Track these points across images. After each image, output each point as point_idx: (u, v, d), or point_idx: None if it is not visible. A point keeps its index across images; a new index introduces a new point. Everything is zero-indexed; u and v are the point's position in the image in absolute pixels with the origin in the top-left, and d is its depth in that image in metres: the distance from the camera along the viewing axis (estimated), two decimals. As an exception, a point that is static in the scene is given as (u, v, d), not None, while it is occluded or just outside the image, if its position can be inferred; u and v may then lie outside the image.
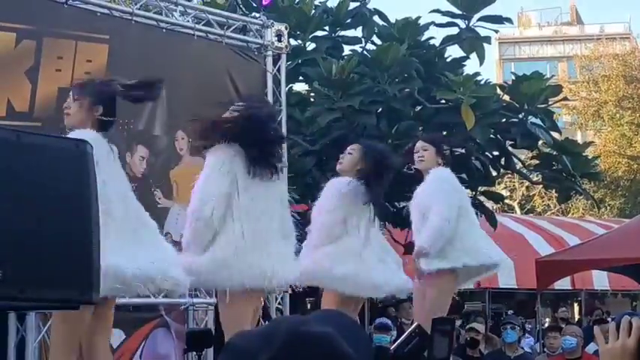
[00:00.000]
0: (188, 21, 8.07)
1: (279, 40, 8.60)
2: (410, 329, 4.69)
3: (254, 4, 10.53)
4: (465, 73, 10.70)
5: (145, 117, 7.62)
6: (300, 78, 10.93)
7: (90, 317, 4.64)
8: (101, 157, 4.40)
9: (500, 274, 13.31)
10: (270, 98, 8.57)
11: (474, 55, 10.91)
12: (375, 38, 11.03)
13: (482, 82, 10.52)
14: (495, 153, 11.29)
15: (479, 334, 9.31)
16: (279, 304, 8.35)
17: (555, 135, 11.16)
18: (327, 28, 11.06)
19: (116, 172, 4.84)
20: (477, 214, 7.37)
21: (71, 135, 4.65)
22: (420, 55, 10.54)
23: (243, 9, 9.61)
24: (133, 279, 4.54)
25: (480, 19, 10.76)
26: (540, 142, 11.27)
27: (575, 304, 18.42)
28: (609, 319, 10.22)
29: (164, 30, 7.84)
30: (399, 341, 4.66)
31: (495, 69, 42.94)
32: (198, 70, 7.98)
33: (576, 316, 17.63)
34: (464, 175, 9.00)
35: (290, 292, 7.77)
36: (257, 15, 8.93)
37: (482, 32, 10.86)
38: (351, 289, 5.84)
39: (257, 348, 1.22)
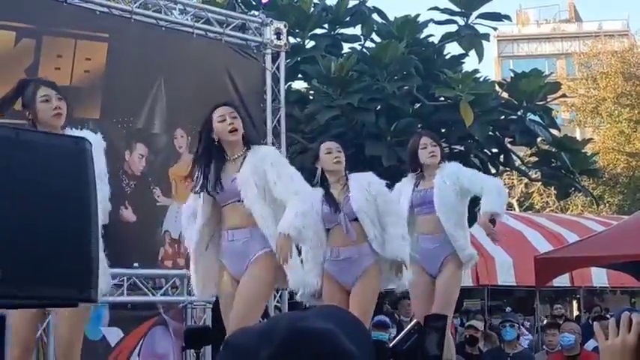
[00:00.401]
0: (187, 19, 8.07)
1: (278, 38, 8.61)
2: (409, 326, 4.70)
3: (253, 2, 10.54)
4: (463, 71, 10.70)
5: (144, 115, 7.63)
6: (299, 76, 10.93)
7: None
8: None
9: (499, 271, 13.36)
10: (269, 96, 8.58)
11: (472, 53, 10.92)
12: (374, 36, 11.04)
13: (481, 80, 10.53)
14: (494, 150, 11.30)
15: (478, 332, 9.32)
16: (277, 302, 8.36)
17: (554, 132, 11.16)
18: (326, 25, 11.06)
19: None
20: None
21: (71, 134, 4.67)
22: (418, 53, 10.55)
23: (243, 7, 9.61)
24: None
25: (478, 17, 10.76)
26: (539, 139, 11.28)
27: (574, 301, 18.44)
28: (608, 316, 10.23)
29: (163, 28, 7.85)
30: (398, 338, 4.67)
31: (494, 66, 42.93)
32: (197, 69, 7.99)
33: (575, 312, 17.65)
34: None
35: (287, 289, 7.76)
36: (256, 13, 8.94)
37: (481, 30, 10.88)
38: None
39: (257, 345, 1.20)
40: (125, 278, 7.20)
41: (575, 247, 11.04)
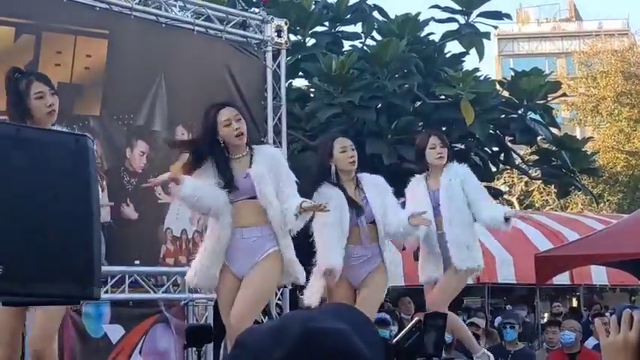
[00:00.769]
0: (188, 16, 8.06)
1: (279, 36, 8.59)
2: (410, 324, 4.71)
3: (254, 0, 10.53)
4: (464, 69, 10.71)
5: (144, 112, 7.62)
6: (300, 73, 10.94)
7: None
8: None
9: (499, 269, 13.36)
10: (269, 94, 8.57)
11: (473, 51, 10.92)
12: (374, 34, 11.04)
13: (481, 78, 10.53)
14: (495, 148, 11.31)
15: (479, 329, 9.31)
16: (278, 299, 8.35)
17: (554, 131, 11.17)
18: (326, 23, 11.07)
19: None
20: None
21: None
22: (419, 51, 10.55)
23: (243, 4, 9.59)
24: None
25: (479, 15, 10.77)
26: (539, 138, 11.28)
27: (574, 299, 18.43)
28: (607, 314, 10.23)
29: (164, 25, 7.83)
30: (399, 335, 4.68)
31: (494, 65, 42.93)
32: (197, 66, 7.97)
33: (575, 305, 17.63)
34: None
35: (290, 287, 7.76)
36: (257, 10, 8.93)
37: (482, 28, 10.89)
38: None
39: (270, 346, 1.19)
40: (127, 275, 7.19)
41: (575, 245, 11.02)
